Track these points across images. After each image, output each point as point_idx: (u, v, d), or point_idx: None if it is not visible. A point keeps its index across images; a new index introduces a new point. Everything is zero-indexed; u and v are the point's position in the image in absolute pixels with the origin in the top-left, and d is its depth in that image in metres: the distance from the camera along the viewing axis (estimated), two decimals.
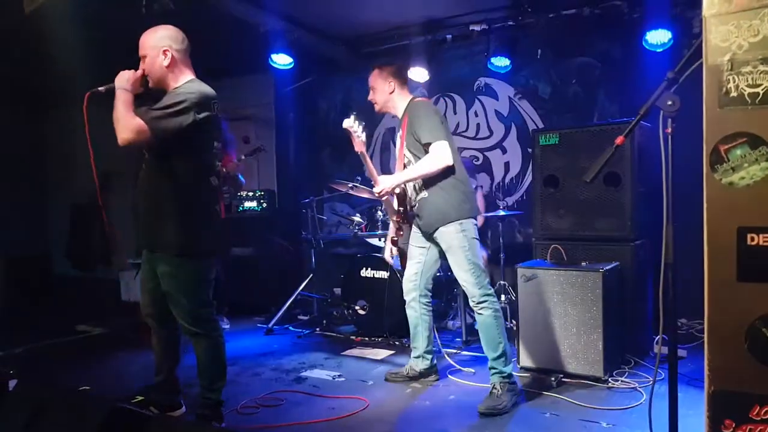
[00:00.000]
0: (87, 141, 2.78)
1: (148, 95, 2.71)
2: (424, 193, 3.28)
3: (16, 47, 5.37)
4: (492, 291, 3.26)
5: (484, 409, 3.06)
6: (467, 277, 3.20)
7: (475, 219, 3.34)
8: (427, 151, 3.19)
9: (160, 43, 2.70)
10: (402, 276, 3.60)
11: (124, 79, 2.63)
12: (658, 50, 4.49)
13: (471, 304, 3.27)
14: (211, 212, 2.82)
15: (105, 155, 2.91)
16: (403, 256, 3.56)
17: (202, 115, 2.62)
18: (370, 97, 3.50)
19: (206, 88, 2.71)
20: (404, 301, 3.58)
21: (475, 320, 4.65)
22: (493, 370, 3.19)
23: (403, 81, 3.46)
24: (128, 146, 2.54)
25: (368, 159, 3.32)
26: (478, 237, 3.30)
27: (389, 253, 3.64)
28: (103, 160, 2.88)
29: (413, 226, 3.47)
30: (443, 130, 3.24)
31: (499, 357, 3.18)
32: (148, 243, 2.80)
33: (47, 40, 5.05)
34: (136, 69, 2.71)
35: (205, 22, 4.90)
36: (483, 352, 3.25)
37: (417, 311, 3.53)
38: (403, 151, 3.34)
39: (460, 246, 3.20)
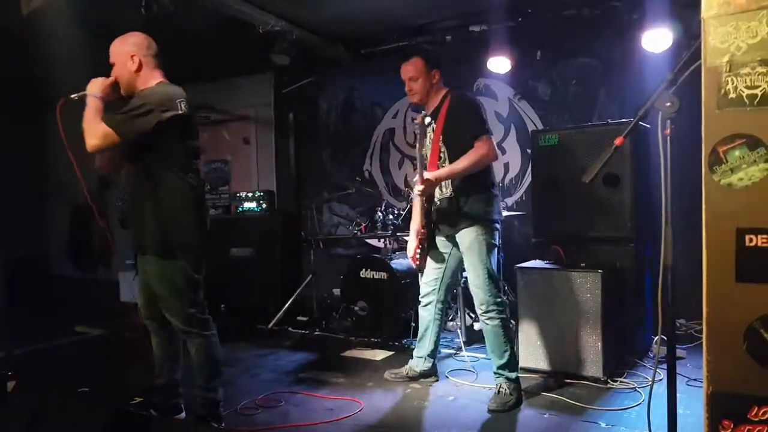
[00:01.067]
0: (67, 147, 2.81)
1: (121, 101, 2.76)
2: (448, 192, 3.19)
3: (14, 48, 5.36)
4: (502, 299, 3.20)
5: (494, 407, 3.08)
6: (479, 283, 3.15)
7: (499, 223, 3.27)
8: (469, 146, 3.07)
9: (127, 50, 2.76)
10: (422, 275, 3.50)
11: (96, 86, 2.71)
12: (657, 52, 4.49)
13: (478, 310, 3.21)
14: (192, 211, 2.79)
15: None
16: (425, 256, 3.42)
17: (167, 114, 2.62)
18: (408, 87, 3.31)
19: (171, 89, 2.73)
20: (404, 303, 3.57)
21: (474, 321, 4.69)
22: (498, 375, 3.19)
23: (441, 72, 3.35)
24: (97, 152, 2.64)
25: (421, 160, 3.20)
26: (498, 243, 3.23)
27: (414, 253, 3.42)
28: None
29: (434, 226, 3.35)
30: (488, 125, 3.19)
31: (505, 365, 3.18)
32: (137, 245, 2.83)
33: (45, 41, 5.06)
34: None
35: (204, 23, 4.92)
36: (483, 353, 3.25)
37: (431, 315, 3.48)
38: (439, 144, 3.21)
39: (479, 250, 3.14)
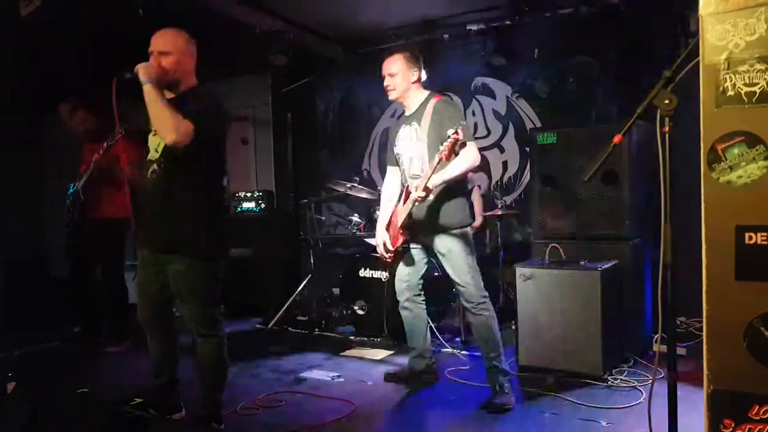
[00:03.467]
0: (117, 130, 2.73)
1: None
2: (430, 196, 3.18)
3: (12, 50, 5.35)
4: (486, 293, 3.25)
5: (495, 407, 3.08)
6: (468, 280, 3.18)
7: (471, 225, 3.32)
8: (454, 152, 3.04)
9: (186, 44, 2.76)
10: (386, 275, 3.53)
11: (150, 72, 2.58)
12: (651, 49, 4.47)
13: (468, 306, 3.22)
14: (225, 213, 2.86)
15: None
16: (399, 256, 3.45)
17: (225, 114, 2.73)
18: (386, 83, 3.31)
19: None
20: None
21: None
22: (493, 370, 3.19)
23: (423, 74, 3.35)
24: (175, 146, 2.51)
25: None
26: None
27: (388, 252, 3.41)
28: None
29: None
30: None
31: (498, 355, 3.20)
32: (165, 245, 2.73)
33: (43, 42, 5.05)
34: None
35: (202, 23, 4.91)
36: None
37: (413, 311, 3.51)
38: (427, 143, 3.20)
39: (462, 251, 3.18)
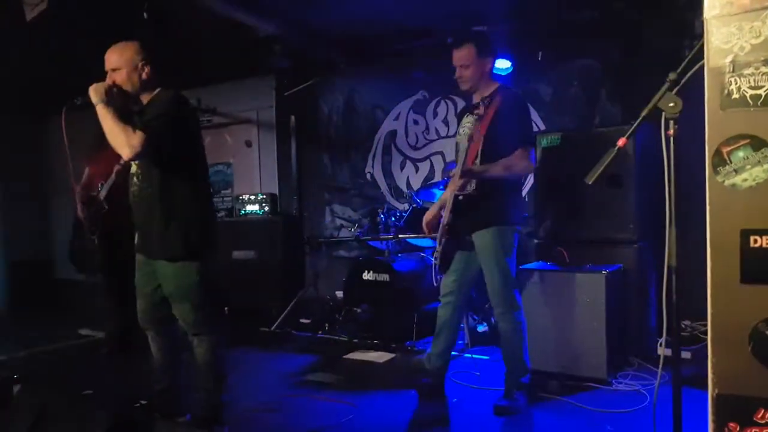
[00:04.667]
0: (67, 153, 2.83)
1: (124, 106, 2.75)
2: (471, 188, 3.05)
3: (18, 52, 5.38)
4: (519, 303, 3.16)
5: (503, 409, 3.06)
6: (494, 285, 3.09)
7: (521, 227, 3.20)
8: (507, 149, 2.99)
9: (138, 55, 2.76)
10: (436, 280, 3.32)
11: (101, 93, 2.64)
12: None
13: (496, 312, 3.15)
14: (213, 212, 2.94)
15: None
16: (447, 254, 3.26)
17: (188, 119, 2.76)
18: (458, 74, 3.16)
19: (180, 94, 2.80)
20: (406, 305, 3.52)
21: (478, 323, 4.68)
22: (511, 379, 3.17)
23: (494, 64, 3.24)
24: (136, 159, 2.63)
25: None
26: (517, 246, 3.16)
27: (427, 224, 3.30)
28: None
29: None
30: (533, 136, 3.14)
31: (519, 369, 3.16)
32: (152, 252, 2.79)
33: (48, 46, 5.07)
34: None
35: (206, 27, 4.93)
36: (487, 356, 3.22)
37: (447, 315, 3.32)
38: (481, 136, 3.05)
39: (496, 250, 3.06)
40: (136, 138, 2.52)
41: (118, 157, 3.90)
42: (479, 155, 3.03)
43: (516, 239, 3.16)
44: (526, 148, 3.05)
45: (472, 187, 3.05)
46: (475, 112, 3.10)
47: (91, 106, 2.62)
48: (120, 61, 2.73)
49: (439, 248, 3.18)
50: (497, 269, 3.08)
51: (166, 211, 2.71)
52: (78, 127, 2.83)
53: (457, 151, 3.33)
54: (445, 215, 3.14)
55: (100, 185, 4.53)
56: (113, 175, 4.39)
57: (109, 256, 4.70)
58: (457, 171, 3.01)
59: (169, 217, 2.71)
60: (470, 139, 3.07)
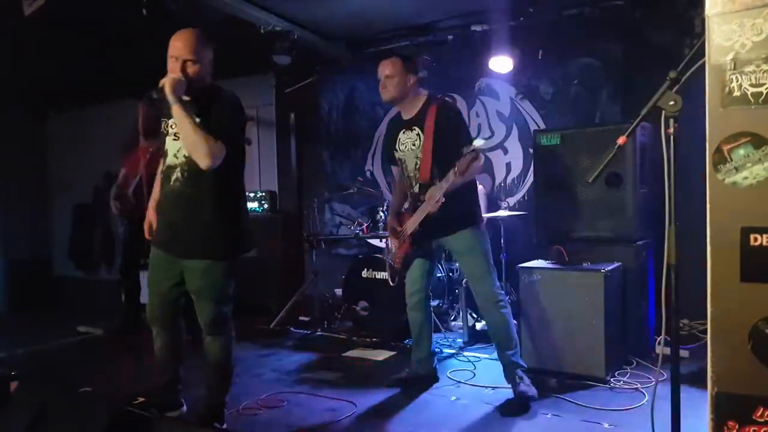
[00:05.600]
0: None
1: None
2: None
3: (15, 49, 5.37)
4: (502, 290, 3.31)
5: (519, 399, 3.11)
6: (487, 279, 3.21)
7: (483, 220, 3.37)
8: (455, 155, 3.02)
9: (208, 50, 2.67)
10: (396, 278, 3.49)
11: (179, 90, 2.52)
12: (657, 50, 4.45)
13: (486, 305, 3.23)
14: (246, 212, 2.96)
15: (107, 156, 2.93)
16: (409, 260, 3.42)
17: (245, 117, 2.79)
18: (382, 85, 3.30)
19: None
20: (405, 303, 3.54)
21: (476, 321, 4.68)
22: (511, 365, 3.21)
23: (421, 78, 3.37)
24: (211, 168, 2.53)
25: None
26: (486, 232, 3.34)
27: (399, 258, 3.42)
28: (105, 161, 2.90)
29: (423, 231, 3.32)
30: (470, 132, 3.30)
31: (516, 352, 3.24)
32: (185, 250, 2.72)
33: (47, 41, 5.05)
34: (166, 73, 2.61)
35: (206, 23, 4.91)
36: (485, 353, 3.24)
37: (422, 314, 3.49)
38: (431, 149, 3.18)
39: (481, 249, 3.21)
40: (219, 148, 2.49)
41: (145, 153, 3.92)
42: (432, 167, 3.16)
43: (485, 232, 3.32)
44: (475, 150, 3.08)
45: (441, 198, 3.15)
46: (414, 129, 3.27)
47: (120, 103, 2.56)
48: (199, 53, 2.59)
49: (400, 254, 3.35)
50: (483, 266, 3.22)
51: (215, 211, 2.67)
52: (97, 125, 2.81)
53: (402, 167, 3.41)
54: (412, 226, 3.26)
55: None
56: (141, 172, 4.47)
57: (131, 251, 4.84)
58: (434, 193, 3.08)
59: (218, 217, 2.68)
60: (418, 155, 3.24)
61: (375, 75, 3.37)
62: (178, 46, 2.58)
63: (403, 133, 3.36)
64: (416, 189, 3.29)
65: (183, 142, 2.55)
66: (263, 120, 6.93)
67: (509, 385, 3.23)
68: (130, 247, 4.95)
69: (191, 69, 2.58)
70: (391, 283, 3.57)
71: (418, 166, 3.28)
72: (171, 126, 2.68)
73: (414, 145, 3.29)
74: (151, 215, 2.88)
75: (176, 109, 2.48)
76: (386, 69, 3.29)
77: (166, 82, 2.50)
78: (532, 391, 3.14)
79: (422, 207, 3.17)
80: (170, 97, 2.47)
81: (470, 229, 3.22)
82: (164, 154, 2.76)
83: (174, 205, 2.71)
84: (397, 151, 3.40)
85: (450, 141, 3.14)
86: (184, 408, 3.06)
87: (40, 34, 4.77)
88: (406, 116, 3.37)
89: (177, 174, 2.68)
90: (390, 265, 3.54)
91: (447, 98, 3.49)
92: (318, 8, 5.06)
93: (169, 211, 2.74)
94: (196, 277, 2.73)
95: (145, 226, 2.89)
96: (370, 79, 6.26)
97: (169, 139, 2.72)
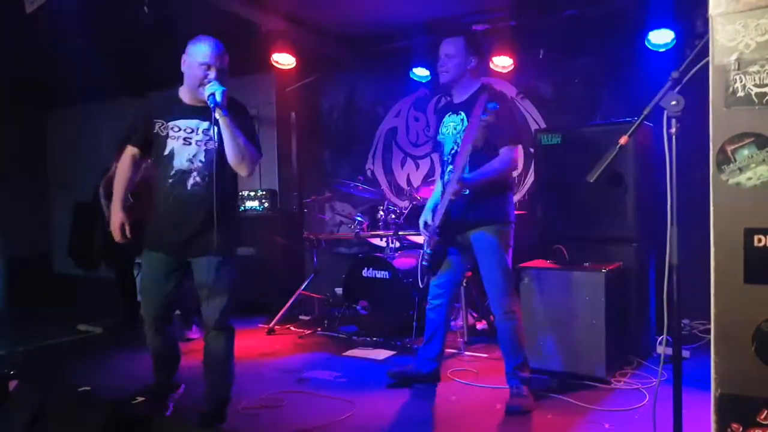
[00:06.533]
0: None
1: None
2: (466, 191, 3.06)
3: (16, 47, 5.36)
4: (517, 298, 3.20)
5: (514, 409, 3.06)
6: (498, 284, 3.12)
7: (514, 224, 3.23)
8: (495, 148, 3.00)
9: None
10: (426, 278, 3.41)
11: (226, 100, 2.61)
12: (661, 50, 4.46)
13: (497, 311, 3.17)
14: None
15: (107, 154, 2.92)
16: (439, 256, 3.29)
17: None
18: (441, 64, 3.15)
19: None
20: (406, 302, 3.54)
21: (477, 321, 4.67)
22: (514, 376, 3.17)
23: (484, 65, 3.26)
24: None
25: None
26: (512, 244, 3.20)
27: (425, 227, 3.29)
28: (105, 159, 2.89)
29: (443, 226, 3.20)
30: (522, 133, 3.22)
31: (521, 365, 3.17)
32: (198, 250, 2.75)
33: (48, 40, 5.04)
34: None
35: (206, 22, 4.91)
36: (485, 354, 3.22)
37: (441, 317, 3.39)
38: (472, 135, 3.00)
39: (496, 249, 3.10)
40: (257, 155, 2.71)
41: None
42: (466, 156, 3.02)
43: (512, 237, 3.20)
44: (511, 148, 3.05)
45: (466, 190, 3.06)
46: (460, 114, 3.12)
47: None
48: (227, 62, 2.73)
49: (429, 251, 3.21)
50: (499, 267, 3.11)
51: (229, 210, 2.80)
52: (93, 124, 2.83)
53: (441, 151, 3.29)
54: (438, 218, 3.14)
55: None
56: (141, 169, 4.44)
57: (128, 249, 4.83)
58: (454, 177, 3.00)
59: (231, 215, 2.81)
60: (460, 141, 3.10)
61: (376, 74, 3.32)
62: (213, 55, 2.65)
63: (449, 116, 3.23)
64: (446, 177, 3.18)
65: (231, 151, 2.62)
66: (264, 119, 6.92)
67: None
68: (126, 245, 4.91)
69: (221, 78, 2.66)
70: (420, 285, 3.45)
71: (453, 151, 3.15)
72: (173, 129, 2.70)
73: (455, 129, 3.15)
74: (121, 217, 2.82)
75: (225, 121, 2.58)
76: (449, 48, 3.13)
77: (217, 93, 2.55)
78: (530, 403, 3.10)
79: (445, 196, 3.06)
80: (219, 112, 2.57)
81: (493, 227, 3.09)
82: (164, 158, 2.73)
83: (192, 208, 2.73)
84: (440, 134, 3.27)
85: (493, 134, 2.97)
86: (182, 387, 3.15)
87: (41, 31, 4.75)
88: (456, 99, 3.24)
89: (195, 178, 2.72)
90: (421, 265, 3.34)
91: (502, 91, 3.35)
92: (318, 7, 5.05)
93: (184, 213, 2.74)
94: (212, 271, 2.76)
95: (117, 229, 2.81)
96: (371, 78, 6.32)
97: (174, 143, 2.72)
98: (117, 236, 2.82)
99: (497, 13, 5.10)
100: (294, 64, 5.49)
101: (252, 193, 6.15)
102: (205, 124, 2.68)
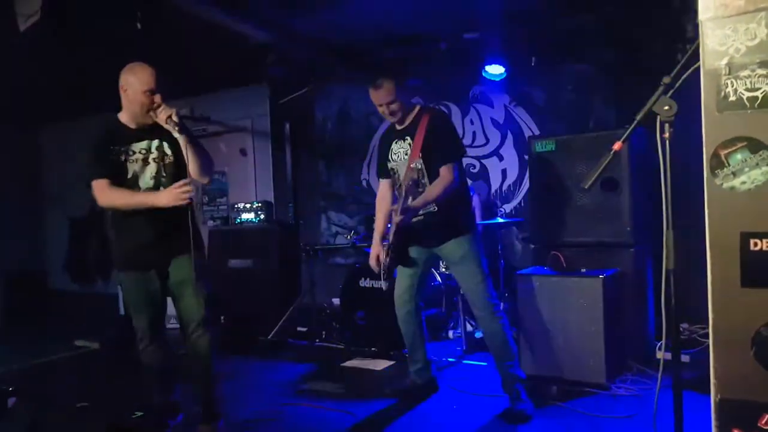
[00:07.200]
0: None
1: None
2: (432, 207, 3.19)
3: (10, 62, 5.36)
4: (498, 300, 3.25)
5: (514, 415, 3.06)
6: (482, 287, 3.17)
7: (478, 231, 3.34)
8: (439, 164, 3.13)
9: None
10: (385, 285, 3.52)
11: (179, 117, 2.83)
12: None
13: (481, 315, 3.19)
14: None
15: None
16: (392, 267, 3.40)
17: None
18: (392, 110, 3.26)
19: None
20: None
21: (475, 329, 4.66)
22: (509, 377, 3.16)
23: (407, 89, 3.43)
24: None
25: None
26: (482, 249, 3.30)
27: (376, 261, 3.43)
28: None
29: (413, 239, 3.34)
30: (462, 147, 3.33)
31: (513, 364, 3.19)
32: (180, 248, 2.88)
33: (42, 56, 5.04)
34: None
35: (200, 36, 4.92)
36: (485, 362, 3.22)
37: (413, 324, 3.46)
38: (416, 158, 3.21)
39: (474, 258, 3.18)
40: (212, 161, 2.95)
41: None
42: (425, 175, 3.20)
43: (480, 240, 3.30)
44: (450, 165, 3.13)
45: (433, 207, 3.18)
46: (407, 139, 3.26)
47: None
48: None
49: (385, 265, 3.35)
50: (478, 274, 3.18)
51: (191, 214, 2.87)
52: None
53: (392, 177, 3.41)
54: (391, 238, 3.27)
55: None
56: None
57: None
58: (397, 207, 3.14)
59: (193, 219, 2.89)
60: (406, 165, 3.23)
61: (368, 84, 3.33)
62: (155, 81, 2.78)
63: (396, 143, 3.36)
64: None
65: (195, 163, 2.77)
66: (258, 130, 6.93)
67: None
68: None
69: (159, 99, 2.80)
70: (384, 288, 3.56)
71: (404, 175, 3.27)
72: (129, 153, 2.83)
73: (406, 154, 3.28)
74: None
75: (187, 138, 2.77)
76: (386, 97, 3.24)
77: (173, 115, 2.72)
78: (530, 407, 3.11)
79: (393, 221, 3.17)
80: (182, 129, 2.74)
81: (462, 238, 3.19)
82: (128, 182, 2.83)
83: (163, 220, 2.81)
84: (389, 161, 3.39)
85: (435, 150, 3.15)
86: (180, 418, 3.06)
87: (32, 47, 4.75)
88: (399, 126, 3.37)
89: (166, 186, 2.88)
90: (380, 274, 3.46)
91: (440, 109, 3.48)
92: (310, 19, 5.07)
93: (156, 226, 2.83)
94: (189, 270, 2.84)
95: None
96: (364, 89, 6.30)
97: (133, 166, 2.84)
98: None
99: (489, 21, 5.13)
100: (287, 76, 5.50)
101: (248, 205, 6.14)
102: (155, 143, 2.85)
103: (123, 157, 2.81)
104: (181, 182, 2.72)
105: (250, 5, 4.68)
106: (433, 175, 3.16)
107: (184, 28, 4.62)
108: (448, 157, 3.14)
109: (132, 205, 2.78)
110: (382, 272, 3.36)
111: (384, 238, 3.40)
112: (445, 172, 3.11)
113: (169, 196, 2.73)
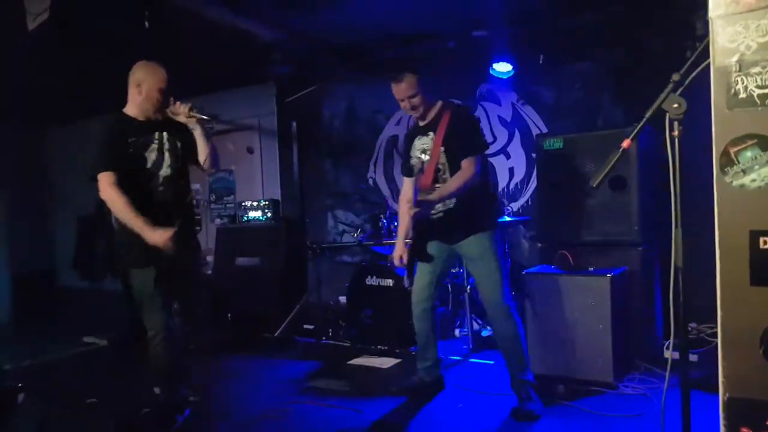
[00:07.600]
0: None
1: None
2: (451, 203, 3.16)
3: (19, 62, 5.39)
4: (513, 301, 3.22)
5: (523, 415, 3.06)
6: (498, 287, 3.14)
7: (499, 229, 3.32)
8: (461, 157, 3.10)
9: None
10: (408, 283, 3.49)
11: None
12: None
13: (494, 314, 3.18)
14: None
15: None
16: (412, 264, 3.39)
17: None
18: (413, 104, 3.25)
19: None
20: (410, 309, 3.51)
21: (482, 327, 4.66)
22: (521, 382, 3.15)
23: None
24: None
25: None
26: (505, 245, 3.29)
27: (399, 259, 3.43)
28: None
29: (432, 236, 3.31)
30: (485, 142, 3.30)
31: (524, 366, 3.17)
32: (186, 239, 3.07)
33: (50, 55, 5.07)
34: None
35: (208, 35, 4.93)
36: (492, 360, 3.21)
37: (428, 322, 3.44)
38: (438, 155, 3.19)
39: (493, 256, 3.15)
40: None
41: None
42: (446, 170, 3.17)
43: (501, 239, 3.29)
44: (472, 158, 3.10)
45: (451, 202, 3.14)
46: (429, 134, 3.23)
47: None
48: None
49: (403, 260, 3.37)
50: (496, 273, 3.15)
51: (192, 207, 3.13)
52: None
53: (415, 174, 3.38)
54: (411, 236, 3.29)
55: None
56: None
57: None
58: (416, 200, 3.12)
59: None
60: (428, 159, 3.22)
61: (376, 82, 3.35)
62: (169, 80, 2.94)
63: (419, 138, 3.32)
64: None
65: (207, 154, 3.11)
66: (265, 129, 6.94)
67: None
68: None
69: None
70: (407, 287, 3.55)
71: (423, 170, 3.25)
72: (156, 141, 2.95)
73: (428, 149, 3.25)
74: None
75: (201, 130, 3.12)
76: (407, 90, 3.22)
77: (193, 110, 3.01)
78: (539, 407, 3.10)
79: (409, 212, 3.11)
80: (199, 121, 3.07)
81: (483, 234, 3.15)
82: (151, 169, 2.93)
83: (175, 207, 3.03)
84: (411, 158, 3.36)
85: (458, 146, 3.11)
86: (187, 412, 3.08)
87: (41, 46, 4.78)
88: (422, 122, 3.33)
89: (179, 181, 3.07)
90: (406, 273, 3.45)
91: (463, 104, 3.46)
92: (317, 18, 5.07)
93: (165, 225, 2.86)
94: (188, 272, 3.09)
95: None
96: (371, 87, 6.32)
97: (152, 155, 2.94)
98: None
99: (497, 19, 5.11)
100: (294, 75, 5.50)
101: (255, 203, 6.16)
102: (165, 134, 2.99)
103: (141, 148, 2.90)
104: (171, 232, 2.75)
105: (256, 4, 4.69)
106: (454, 170, 3.13)
107: (191, 28, 4.63)
108: (471, 149, 3.11)
109: (124, 220, 2.80)
110: (405, 276, 3.38)
111: (407, 237, 3.38)
112: (467, 165, 3.08)
113: (160, 239, 2.76)
